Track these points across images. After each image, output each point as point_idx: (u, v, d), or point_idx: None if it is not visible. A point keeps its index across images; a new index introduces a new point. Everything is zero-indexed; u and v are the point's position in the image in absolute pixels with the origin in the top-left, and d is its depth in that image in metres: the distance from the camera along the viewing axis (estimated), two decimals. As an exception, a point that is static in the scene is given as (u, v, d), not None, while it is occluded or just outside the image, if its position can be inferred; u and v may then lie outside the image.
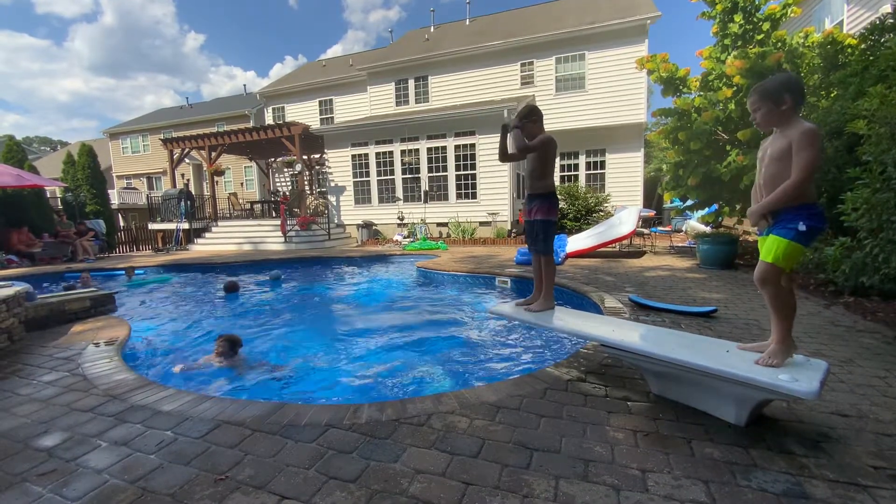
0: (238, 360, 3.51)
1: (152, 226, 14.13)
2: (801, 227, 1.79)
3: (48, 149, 49.37)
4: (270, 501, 1.49)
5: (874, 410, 2.00)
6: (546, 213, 3.06)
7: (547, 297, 3.04)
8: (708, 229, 8.19)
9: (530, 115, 3.06)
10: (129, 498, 1.53)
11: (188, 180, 19.34)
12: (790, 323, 1.87)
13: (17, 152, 11.60)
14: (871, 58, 4.80)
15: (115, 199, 21.26)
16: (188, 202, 13.60)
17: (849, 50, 5.67)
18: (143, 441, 1.92)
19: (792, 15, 6.70)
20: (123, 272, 8.10)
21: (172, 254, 11.83)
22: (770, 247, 1.85)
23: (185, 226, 13.40)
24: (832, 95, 5.63)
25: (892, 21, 4.82)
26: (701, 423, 1.92)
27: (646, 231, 10.07)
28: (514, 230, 11.81)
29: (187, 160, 18.94)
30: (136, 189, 24.58)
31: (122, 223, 20.41)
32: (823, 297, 4.28)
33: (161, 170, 23.48)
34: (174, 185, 14.76)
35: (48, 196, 12.14)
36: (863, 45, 5.25)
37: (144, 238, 14.19)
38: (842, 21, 9.58)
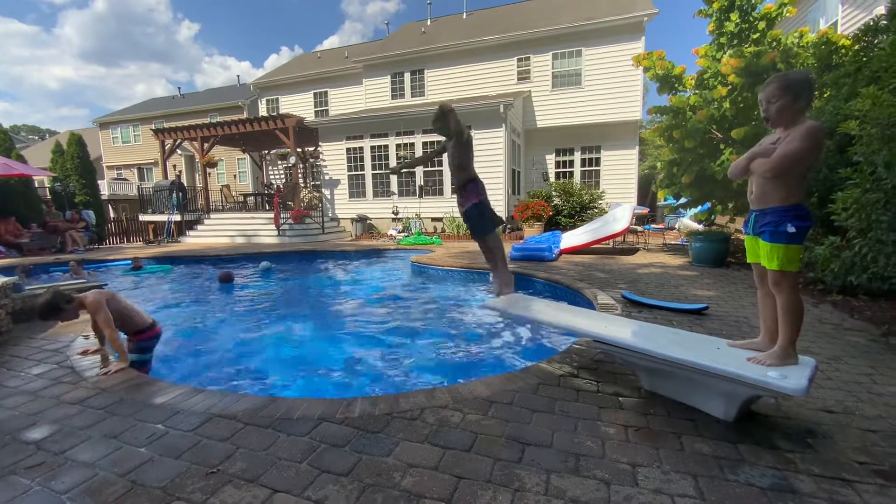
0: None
1: (143, 217, 13.96)
2: (791, 228, 1.80)
3: (36, 137, 48.51)
4: (262, 495, 1.49)
5: (860, 407, 2.04)
6: (478, 196, 3.44)
7: (504, 273, 3.32)
8: (701, 227, 8.25)
9: (452, 111, 3.40)
10: (118, 491, 1.52)
11: (180, 171, 19.11)
12: (798, 329, 1.87)
13: (4, 141, 11.39)
14: (864, 59, 4.83)
15: (105, 189, 20.95)
16: (180, 194, 13.44)
17: (843, 51, 5.70)
18: (132, 434, 1.90)
19: (787, 14, 6.72)
20: (130, 262, 8.03)
21: (164, 245, 11.71)
22: (771, 255, 1.86)
23: (177, 217, 13.26)
24: (825, 95, 5.67)
25: (885, 22, 4.85)
26: (691, 419, 1.94)
27: (639, 228, 10.13)
28: (508, 226, 11.82)
29: (179, 151, 18.69)
30: (127, 180, 24.25)
31: (112, 214, 20.16)
32: (812, 295, 4.34)
33: (152, 160, 23.15)
34: (166, 177, 14.58)
35: (36, 186, 11.95)
36: (856, 46, 5.28)
37: (135, 229, 14.04)
38: (836, 21, 9.63)
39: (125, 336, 2.95)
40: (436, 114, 3.37)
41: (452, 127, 3.36)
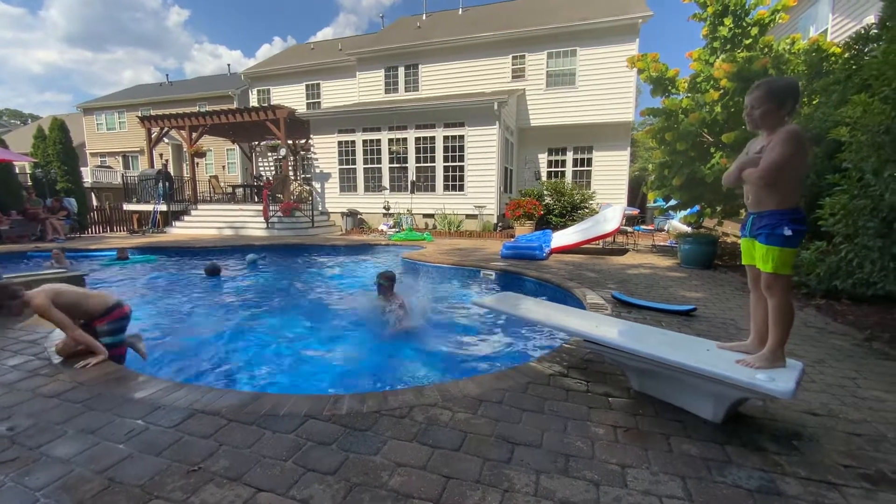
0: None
1: (128, 206, 13.66)
2: (787, 231, 1.82)
3: (18, 122, 47.25)
4: (245, 494, 1.45)
5: (844, 410, 2.07)
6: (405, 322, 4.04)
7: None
8: (689, 229, 8.34)
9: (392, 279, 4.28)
10: (95, 489, 1.47)
11: (167, 161, 18.74)
12: (787, 332, 1.88)
13: (-17, 124, 11.04)
14: (854, 67, 4.90)
15: (88, 177, 20.42)
16: (166, 183, 13.17)
17: (833, 58, 5.79)
18: (111, 430, 1.84)
19: (780, 21, 6.79)
20: (115, 252, 7.84)
21: (149, 236, 11.48)
22: (766, 257, 1.87)
23: (163, 208, 13.00)
24: (814, 102, 5.75)
25: (876, 31, 4.93)
26: (679, 420, 1.95)
27: (629, 229, 10.20)
28: (500, 224, 11.83)
29: (166, 140, 18.32)
30: (111, 167, 23.67)
31: (95, 202, 19.69)
32: (797, 299, 4.40)
33: (138, 149, 22.63)
34: (152, 165, 14.27)
35: (17, 172, 11.61)
36: (847, 54, 5.36)
37: (119, 219, 13.72)
38: (826, 29, 9.78)
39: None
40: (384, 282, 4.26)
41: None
